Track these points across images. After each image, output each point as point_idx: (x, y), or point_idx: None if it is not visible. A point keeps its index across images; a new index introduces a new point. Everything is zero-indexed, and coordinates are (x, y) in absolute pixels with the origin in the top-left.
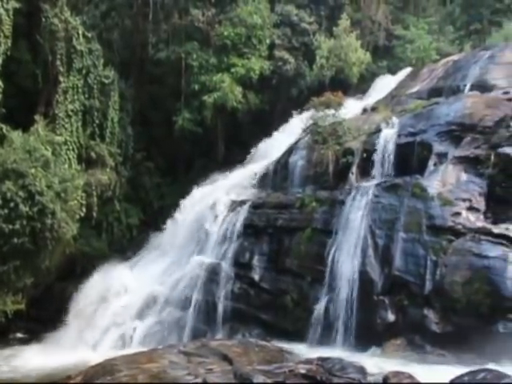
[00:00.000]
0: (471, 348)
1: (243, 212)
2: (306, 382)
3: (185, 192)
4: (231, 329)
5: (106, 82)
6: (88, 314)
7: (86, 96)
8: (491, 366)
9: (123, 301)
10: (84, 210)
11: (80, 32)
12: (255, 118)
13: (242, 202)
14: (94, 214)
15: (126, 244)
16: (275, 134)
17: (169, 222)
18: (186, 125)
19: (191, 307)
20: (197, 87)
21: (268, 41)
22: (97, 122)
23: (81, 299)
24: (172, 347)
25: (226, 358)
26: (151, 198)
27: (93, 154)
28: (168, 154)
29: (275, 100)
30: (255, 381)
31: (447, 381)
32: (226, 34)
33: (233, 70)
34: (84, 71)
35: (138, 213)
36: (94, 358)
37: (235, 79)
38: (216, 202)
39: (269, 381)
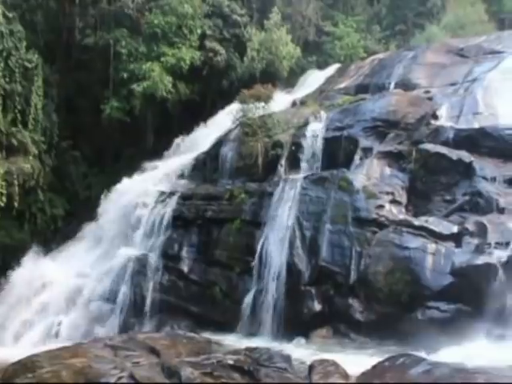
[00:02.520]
0: (393, 335)
1: (172, 203)
2: (234, 373)
3: (112, 182)
4: (159, 321)
5: (29, 66)
6: (10, 308)
7: (7, 80)
8: (411, 351)
9: (47, 294)
10: (4, 199)
11: (0, 12)
12: (186, 109)
13: (171, 194)
14: (16, 204)
15: (51, 235)
16: (206, 124)
17: (96, 213)
18: (114, 113)
19: (118, 300)
20: (126, 75)
21: (199, 31)
22: (19, 107)
23: (2, 293)
24: (98, 341)
25: (153, 351)
26: (77, 188)
27: (14, 142)
28: (95, 142)
29: (206, 91)
30: (183, 373)
31: (369, 367)
32: (156, 22)
33: (163, 59)
34: (4, 53)
35: (63, 203)
36: (16, 354)
37: (165, 68)
38: (144, 193)
39: (196, 372)
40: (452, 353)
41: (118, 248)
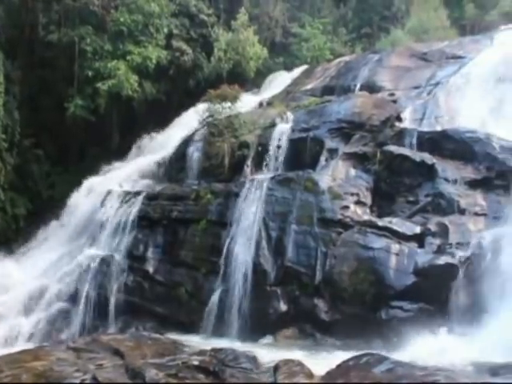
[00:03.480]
0: (358, 334)
1: (137, 203)
2: (199, 374)
3: (77, 182)
4: (124, 323)
5: None
6: None
7: None
8: (376, 350)
9: (8, 296)
10: None
11: None
12: (152, 108)
13: (137, 194)
14: None
15: (12, 235)
16: (172, 124)
17: (59, 213)
18: (79, 112)
19: (82, 301)
20: (90, 73)
21: (166, 30)
22: None
23: None
24: (60, 344)
25: (117, 353)
26: (40, 187)
27: None
28: (59, 141)
29: (172, 90)
30: (147, 374)
31: (334, 366)
32: (122, 20)
33: (129, 57)
34: None
35: (25, 202)
36: None
37: (131, 67)
38: (109, 192)
39: (161, 374)
40: (415, 351)
41: (82, 248)
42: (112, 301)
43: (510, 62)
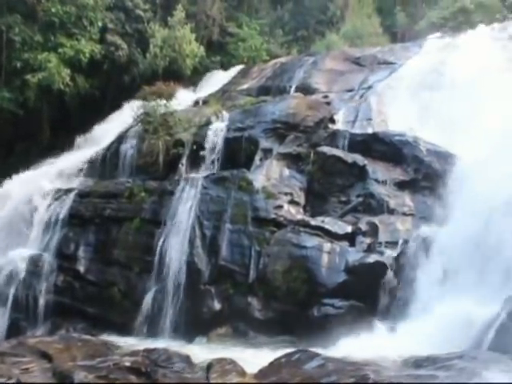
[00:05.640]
0: (291, 332)
1: (69, 201)
2: (131, 375)
3: (4, 178)
4: (54, 324)
5: None
6: None
7: None
8: (308, 347)
9: None
10: None
11: None
12: (85, 103)
13: (68, 191)
14: None
15: None
16: (106, 120)
17: None
18: (6, 105)
19: (8, 303)
20: (19, 65)
21: (100, 24)
22: None
23: None
24: None
25: (45, 356)
26: None
27: None
28: None
29: (106, 85)
30: (75, 377)
31: (267, 363)
32: (53, 10)
33: (60, 50)
34: None
35: None
36: None
37: (63, 60)
38: (39, 189)
39: (90, 376)
40: (346, 347)
41: (9, 247)
42: (41, 302)
43: (436, 70)
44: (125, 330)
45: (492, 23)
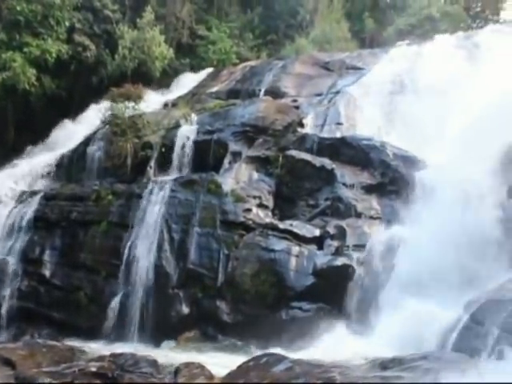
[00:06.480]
0: (260, 335)
1: (34, 203)
2: (97, 381)
3: None
4: (18, 330)
5: None
6: None
7: None
8: (277, 350)
9: None
10: None
11: None
12: (51, 104)
13: (33, 193)
14: None
15: None
16: (73, 122)
17: None
18: None
19: None
20: None
21: (67, 23)
22: None
23: None
24: None
25: (8, 363)
26: None
27: None
28: None
29: (74, 86)
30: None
31: (235, 367)
32: (19, 8)
33: (26, 49)
34: None
35: None
36: None
37: (28, 60)
38: (3, 191)
39: (55, 382)
40: (314, 350)
41: None
42: (4, 307)
43: (402, 76)
44: (91, 334)
45: (457, 31)
